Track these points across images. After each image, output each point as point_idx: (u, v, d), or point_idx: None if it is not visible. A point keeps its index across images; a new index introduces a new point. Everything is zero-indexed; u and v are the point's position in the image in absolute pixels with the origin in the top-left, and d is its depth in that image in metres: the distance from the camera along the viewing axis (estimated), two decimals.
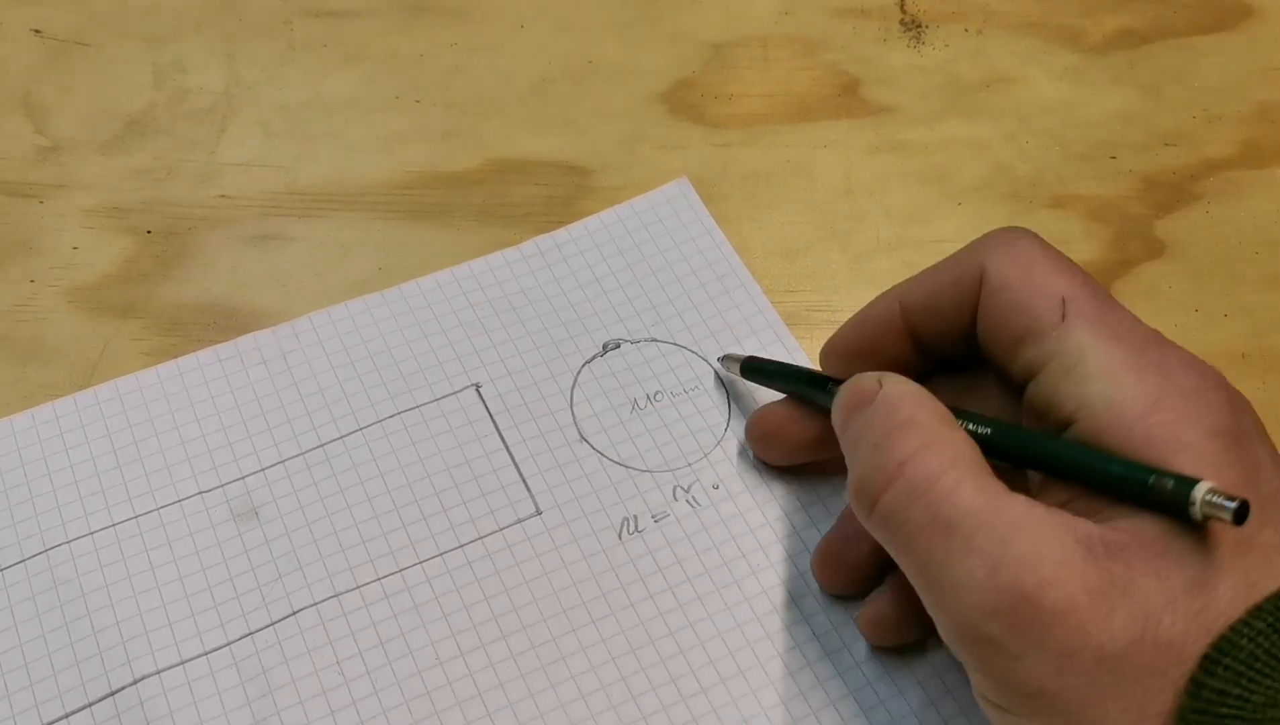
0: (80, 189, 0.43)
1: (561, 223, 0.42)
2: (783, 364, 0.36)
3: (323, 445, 0.37)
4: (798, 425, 0.34)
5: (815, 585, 0.34)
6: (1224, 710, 0.23)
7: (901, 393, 0.29)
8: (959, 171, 0.44)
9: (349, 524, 0.35)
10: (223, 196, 0.43)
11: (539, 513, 0.35)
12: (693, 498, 0.36)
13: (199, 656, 0.33)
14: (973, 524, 0.26)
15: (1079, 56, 0.47)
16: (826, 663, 0.33)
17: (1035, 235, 0.30)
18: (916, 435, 0.27)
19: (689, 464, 0.36)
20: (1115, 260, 0.42)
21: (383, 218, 0.42)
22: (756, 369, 0.36)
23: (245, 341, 0.39)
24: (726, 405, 0.38)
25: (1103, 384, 0.27)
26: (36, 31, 0.47)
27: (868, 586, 0.33)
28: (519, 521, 0.35)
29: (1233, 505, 0.24)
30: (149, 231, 0.42)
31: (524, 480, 0.36)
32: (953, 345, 0.31)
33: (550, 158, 0.44)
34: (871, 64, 0.47)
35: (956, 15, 0.48)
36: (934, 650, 0.33)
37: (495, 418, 0.37)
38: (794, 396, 0.35)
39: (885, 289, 0.33)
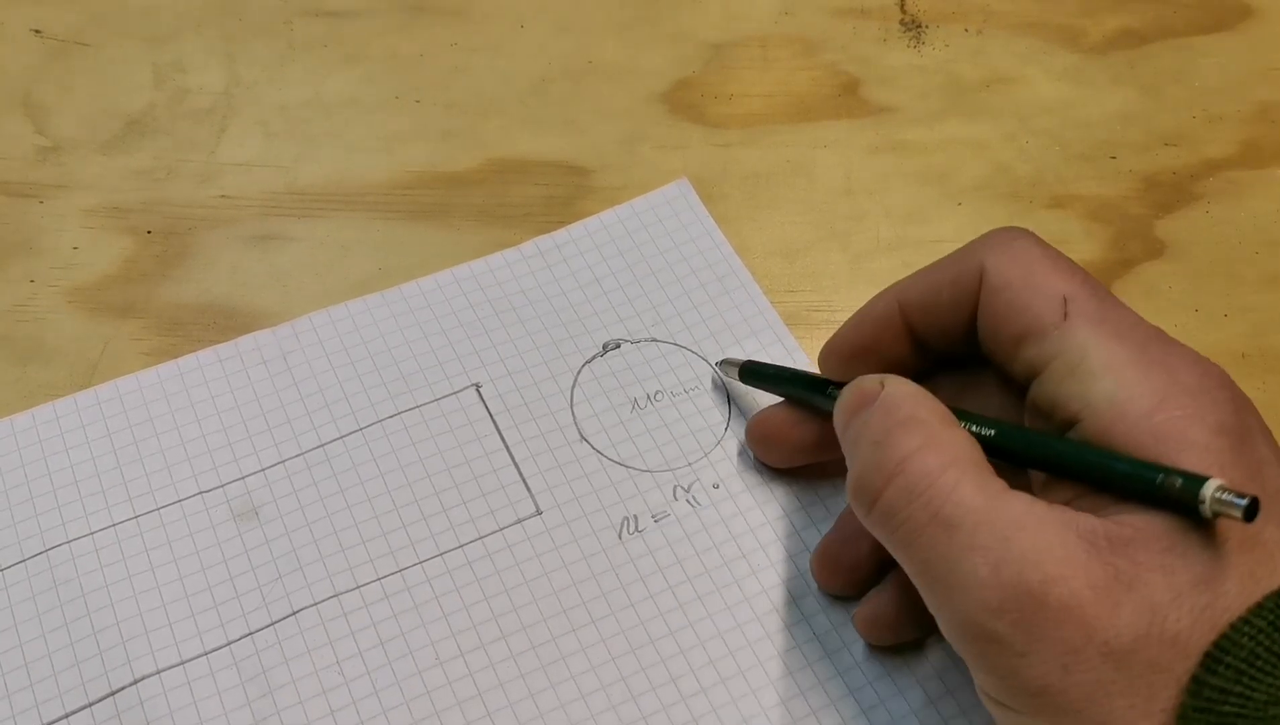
0: (80, 189, 0.43)
1: (561, 223, 0.42)
2: (781, 368, 0.36)
3: (323, 445, 0.37)
4: (798, 428, 0.34)
5: (815, 585, 0.34)
6: (1227, 708, 0.23)
7: (903, 393, 0.29)
8: (959, 171, 0.44)
9: (349, 524, 0.35)
10: (223, 196, 0.43)
11: (539, 513, 0.35)
12: (693, 497, 0.36)
13: (199, 656, 0.33)
14: (974, 522, 0.26)
15: (1079, 56, 0.47)
16: (826, 663, 0.33)
17: (1033, 235, 0.30)
18: (917, 433, 0.27)
19: (689, 464, 0.36)
20: (1115, 260, 0.42)
21: (383, 218, 0.42)
22: (755, 373, 0.36)
23: (245, 341, 0.39)
24: (726, 405, 0.38)
25: (1107, 382, 0.27)
26: (36, 31, 0.47)
27: (866, 587, 0.33)
28: (519, 521, 0.35)
29: (1243, 502, 0.23)
30: (149, 231, 0.42)
31: (524, 480, 0.36)
32: (951, 343, 0.31)
33: (550, 158, 0.44)
34: (871, 64, 0.47)
35: (956, 15, 0.48)
36: (934, 650, 0.33)
37: (495, 418, 0.37)
38: (793, 400, 0.35)
39: (884, 289, 0.33)
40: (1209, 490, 0.24)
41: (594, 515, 0.35)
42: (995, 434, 0.28)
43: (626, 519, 0.35)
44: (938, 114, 0.45)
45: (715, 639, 0.33)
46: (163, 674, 0.33)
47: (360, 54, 0.47)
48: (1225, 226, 0.43)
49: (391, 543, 0.35)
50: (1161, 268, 0.42)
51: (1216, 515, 0.24)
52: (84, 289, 0.40)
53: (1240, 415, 0.26)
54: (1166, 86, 0.46)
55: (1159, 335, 0.28)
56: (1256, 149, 0.44)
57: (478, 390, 0.38)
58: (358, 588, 0.34)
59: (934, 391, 0.29)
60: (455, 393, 0.38)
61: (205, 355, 0.38)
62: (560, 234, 0.41)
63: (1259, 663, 0.23)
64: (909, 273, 0.32)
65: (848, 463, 0.29)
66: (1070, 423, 0.27)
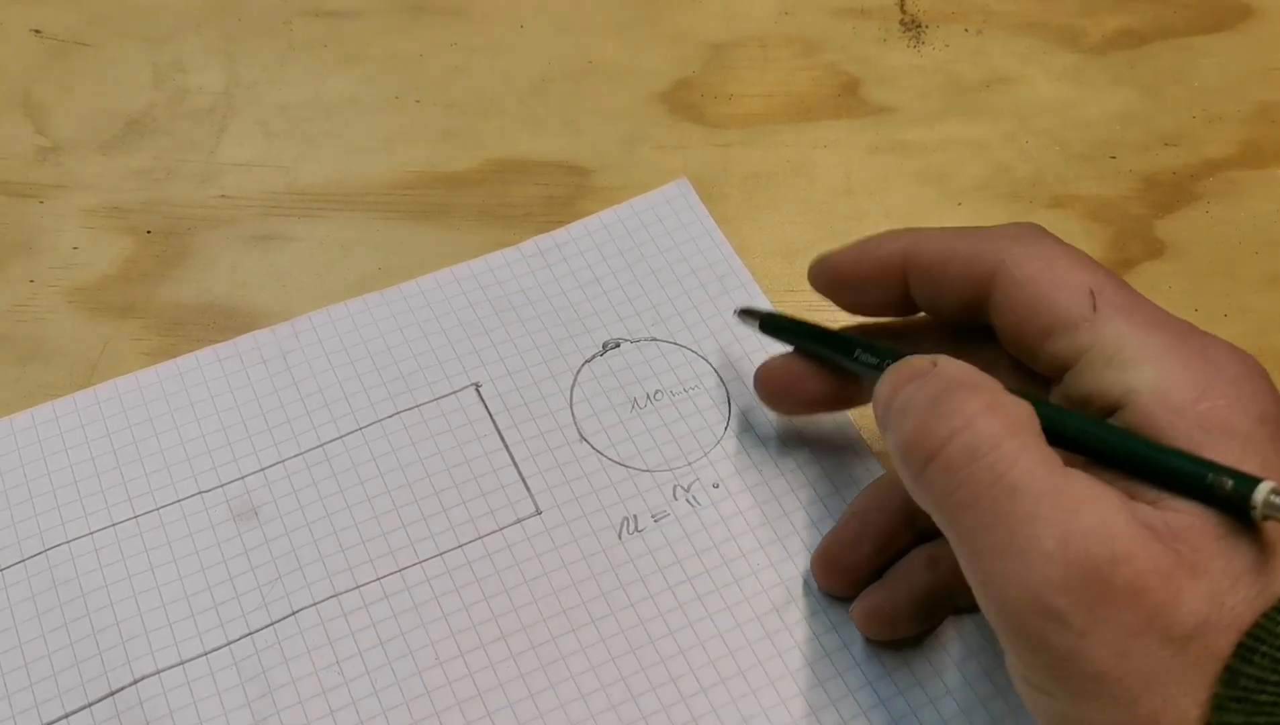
0: (80, 189, 0.43)
1: (561, 223, 0.42)
2: (803, 322, 0.35)
3: (322, 445, 0.37)
4: (812, 380, 0.34)
5: (815, 585, 0.34)
6: (1263, 697, 0.23)
7: (958, 366, 0.28)
8: (959, 171, 0.44)
9: (349, 524, 0.35)
10: (223, 196, 0.43)
11: (539, 512, 0.35)
12: (693, 497, 0.36)
13: (199, 656, 0.33)
14: (1039, 490, 0.25)
15: (1079, 56, 0.47)
16: (826, 663, 0.33)
17: (1050, 232, 0.30)
18: (982, 395, 0.26)
19: (689, 463, 0.36)
20: (1115, 260, 0.42)
21: (383, 218, 0.42)
22: (777, 326, 0.35)
23: (245, 341, 0.39)
24: (726, 404, 0.38)
25: (1149, 369, 0.26)
26: (36, 31, 0.47)
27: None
28: (519, 521, 0.35)
29: None
30: (149, 231, 0.42)
31: (524, 480, 0.36)
32: (938, 310, 0.31)
33: (550, 158, 0.44)
34: (871, 64, 0.47)
35: (956, 15, 0.48)
36: (934, 650, 0.33)
37: (495, 417, 0.37)
38: (808, 354, 0.34)
39: (896, 229, 0.32)
40: (1261, 494, 0.24)
41: (594, 515, 0.35)
42: (1045, 415, 0.27)
43: (626, 519, 0.35)
44: (938, 114, 0.45)
45: (715, 639, 0.33)
46: (162, 674, 0.33)
47: (360, 54, 0.47)
48: (1225, 226, 0.43)
49: (391, 543, 0.35)
50: (1161, 268, 0.42)
51: (1267, 519, 0.24)
52: (84, 289, 0.40)
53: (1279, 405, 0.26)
54: (1166, 86, 0.46)
55: (1191, 326, 0.28)
56: (1256, 149, 0.44)
57: (477, 390, 0.38)
58: (357, 588, 0.34)
59: None
60: (455, 392, 0.38)
61: (205, 355, 0.38)
62: (560, 233, 0.41)
63: None
64: None
65: (893, 430, 0.28)
66: (1110, 411, 0.27)
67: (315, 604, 0.34)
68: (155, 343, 0.39)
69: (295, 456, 0.36)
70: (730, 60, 0.47)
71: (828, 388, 0.34)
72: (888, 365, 0.30)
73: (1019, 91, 0.46)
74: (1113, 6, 0.48)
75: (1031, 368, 0.30)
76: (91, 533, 0.35)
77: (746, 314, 0.36)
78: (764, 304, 0.39)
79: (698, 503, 0.36)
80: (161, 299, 0.40)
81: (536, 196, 0.43)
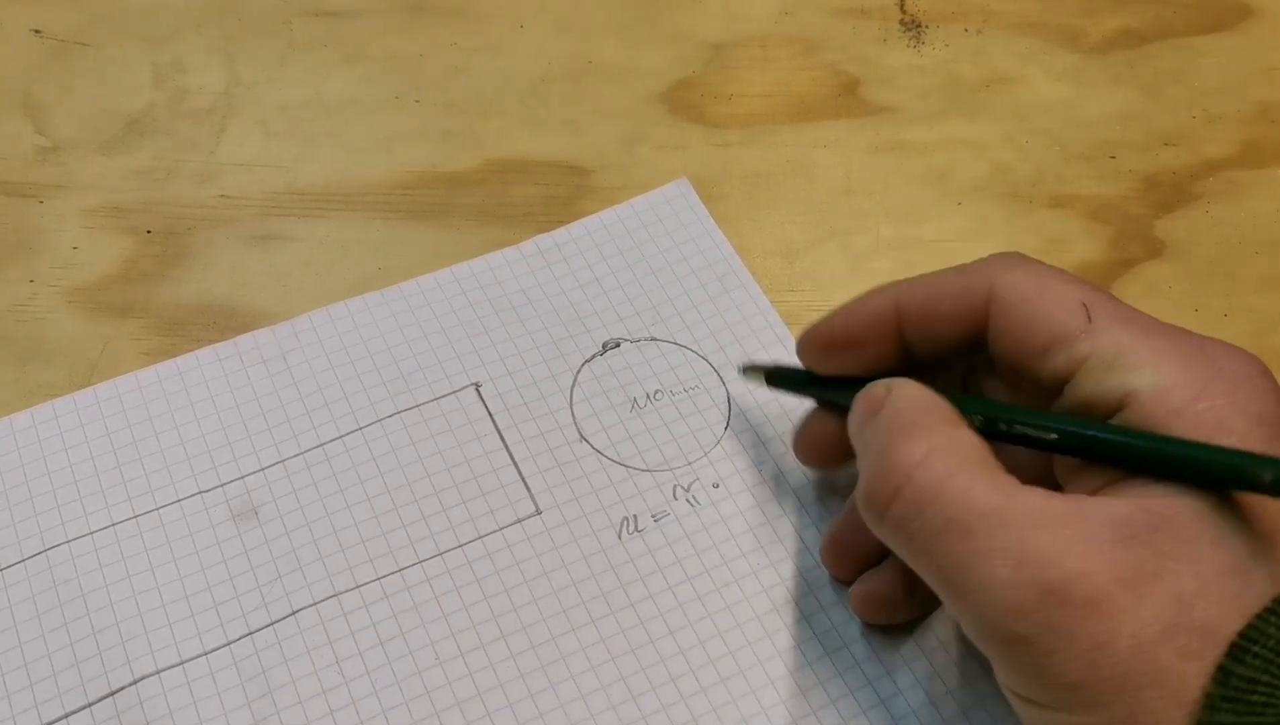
0: (80, 189, 0.43)
1: (561, 223, 0.42)
2: (811, 373, 0.34)
3: (322, 445, 0.36)
4: (842, 432, 0.33)
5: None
6: (1255, 698, 0.23)
7: (906, 397, 0.28)
8: (959, 171, 0.44)
9: (349, 524, 0.35)
10: (223, 196, 0.43)
11: (538, 512, 0.35)
12: (693, 497, 0.36)
13: (199, 656, 0.33)
14: (991, 524, 0.25)
15: (1079, 56, 0.47)
16: (826, 663, 0.33)
17: (1031, 256, 0.30)
18: (921, 440, 0.27)
19: (689, 463, 0.36)
20: (1115, 260, 0.42)
21: (383, 218, 0.42)
22: (784, 378, 0.35)
23: (245, 341, 0.39)
24: (726, 404, 0.38)
25: (1148, 371, 0.27)
26: (36, 31, 0.47)
27: None
28: (518, 521, 0.35)
29: None
30: (149, 231, 0.42)
31: (523, 480, 0.36)
32: (937, 354, 0.31)
33: (550, 158, 0.44)
34: (871, 64, 0.47)
35: (956, 15, 0.48)
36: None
37: (495, 417, 0.37)
38: (824, 403, 0.34)
39: (879, 286, 0.32)
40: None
41: (593, 515, 0.35)
42: (1056, 433, 0.27)
43: (626, 519, 0.35)
44: (937, 114, 0.45)
45: (715, 639, 0.33)
46: (162, 674, 0.33)
47: (360, 54, 0.47)
48: (1225, 226, 0.43)
49: (391, 542, 0.35)
50: (1161, 268, 0.42)
51: None
52: (84, 289, 0.40)
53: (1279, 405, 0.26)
54: (1166, 86, 0.46)
55: (1186, 331, 0.28)
56: (1256, 149, 0.44)
57: (477, 390, 0.38)
58: (357, 588, 0.34)
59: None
60: (455, 392, 0.38)
61: (205, 355, 0.38)
62: (560, 233, 0.41)
63: None
64: (909, 273, 0.32)
65: (860, 474, 0.29)
66: (1111, 414, 0.27)
67: (315, 604, 0.34)
68: (155, 343, 0.39)
69: (295, 456, 0.36)
70: (730, 60, 0.47)
71: None
72: None
73: (1019, 91, 0.46)
74: (1113, 6, 0.48)
75: (1031, 389, 0.30)
76: (91, 533, 0.35)
77: (751, 370, 0.36)
78: (764, 306, 0.39)
79: (698, 503, 0.36)
80: (161, 299, 0.40)
81: (536, 196, 0.43)
